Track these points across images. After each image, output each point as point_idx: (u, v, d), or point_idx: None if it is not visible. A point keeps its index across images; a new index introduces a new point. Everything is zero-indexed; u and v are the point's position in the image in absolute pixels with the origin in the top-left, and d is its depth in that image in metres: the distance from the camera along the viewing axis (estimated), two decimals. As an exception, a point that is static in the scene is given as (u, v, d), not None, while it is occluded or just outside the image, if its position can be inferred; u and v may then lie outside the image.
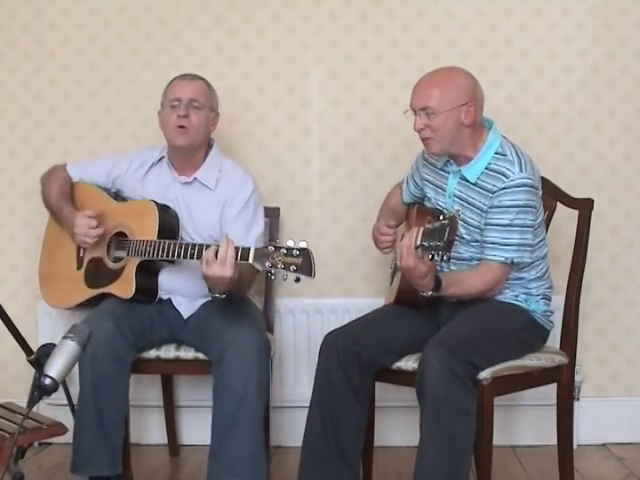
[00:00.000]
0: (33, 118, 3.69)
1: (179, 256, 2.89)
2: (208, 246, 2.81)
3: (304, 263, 2.60)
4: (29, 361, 2.94)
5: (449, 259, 2.55)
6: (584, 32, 3.57)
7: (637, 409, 3.60)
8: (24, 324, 3.20)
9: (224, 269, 2.72)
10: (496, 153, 2.88)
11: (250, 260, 2.67)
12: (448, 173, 2.97)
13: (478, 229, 2.89)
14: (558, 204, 3.12)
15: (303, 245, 2.62)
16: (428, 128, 2.85)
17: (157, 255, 2.94)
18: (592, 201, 3.07)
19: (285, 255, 2.61)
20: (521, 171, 2.83)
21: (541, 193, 2.93)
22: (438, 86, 2.84)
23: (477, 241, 2.90)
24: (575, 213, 3.08)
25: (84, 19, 3.66)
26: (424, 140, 2.90)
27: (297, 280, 2.63)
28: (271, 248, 2.63)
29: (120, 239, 3.11)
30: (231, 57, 3.64)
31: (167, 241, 2.94)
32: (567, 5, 3.57)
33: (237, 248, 2.71)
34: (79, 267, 3.18)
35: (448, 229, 2.51)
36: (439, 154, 2.93)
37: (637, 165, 3.59)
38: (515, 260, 2.83)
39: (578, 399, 3.50)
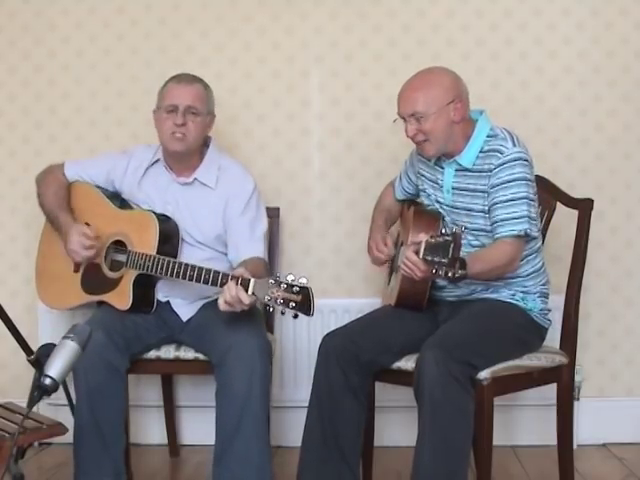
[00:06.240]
0: (33, 118, 3.69)
1: (177, 276, 2.87)
2: (209, 271, 2.79)
3: (303, 301, 2.58)
4: (29, 361, 2.93)
5: (454, 275, 2.52)
6: (584, 32, 3.57)
7: (637, 409, 3.60)
8: (24, 324, 3.20)
9: (241, 306, 2.70)
10: (487, 136, 2.90)
11: (249, 292, 2.65)
12: (443, 168, 2.97)
13: (482, 212, 2.88)
14: (558, 204, 3.12)
15: (303, 282, 2.59)
16: (420, 132, 2.87)
17: (155, 271, 2.92)
18: (592, 201, 3.06)
19: (285, 291, 2.59)
20: (514, 146, 2.85)
21: (534, 170, 2.92)
22: (422, 89, 2.86)
23: (482, 230, 2.89)
24: (575, 213, 3.08)
25: (84, 19, 3.66)
26: (419, 144, 2.91)
27: (295, 317, 2.62)
28: (271, 282, 2.60)
29: (118, 247, 3.08)
30: (231, 57, 3.63)
31: (167, 259, 2.91)
32: (567, 5, 3.57)
33: (237, 278, 2.69)
34: (76, 270, 3.15)
35: (452, 246, 2.48)
36: (435, 155, 2.94)
37: (637, 165, 3.59)
38: (527, 231, 2.81)
39: (578, 399, 3.50)
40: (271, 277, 2.63)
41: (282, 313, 2.62)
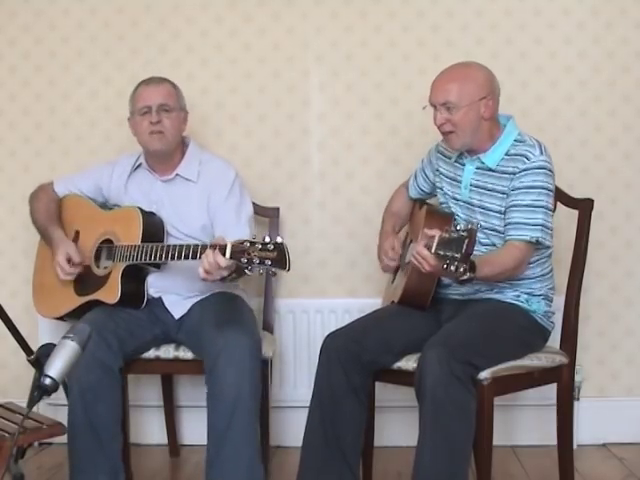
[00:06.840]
0: (33, 118, 3.69)
1: (161, 258, 2.93)
2: (189, 247, 2.84)
3: (278, 257, 2.61)
4: (29, 361, 2.93)
5: (465, 271, 2.52)
6: (584, 32, 3.57)
7: (637, 409, 3.60)
8: (24, 324, 3.20)
9: (220, 272, 2.74)
10: (515, 140, 2.91)
11: (227, 256, 2.68)
12: (463, 165, 2.98)
13: (498, 213, 2.89)
14: (558, 204, 3.12)
15: (278, 240, 2.63)
16: (449, 122, 2.87)
17: (141, 258, 2.96)
18: (592, 201, 3.07)
19: (260, 250, 2.62)
20: (541, 154, 2.86)
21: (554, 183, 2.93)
22: (457, 81, 2.87)
23: (495, 230, 2.90)
24: (575, 213, 3.08)
25: (84, 19, 3.66)
26: (446, 135, 2.92)
27: (273, 274, 2.65)
28: (247, 244, 2.64)
29: (108, 246, 3.12)
30: (231, 57, 3.63)
31: (150, 244, 2.96)
32: (567, 5, 3.57)
33: (214, 246, 2.72)
34: None
35: (466, 241, 2.47)
36: (460, 149, 2.95)
37: (637, 165, 3.59)
38: (539, 239, 2.82)
39: (578, 399, 3.50)
40: (246, 240, 2.66)
41: (260, 273, 2.65)
